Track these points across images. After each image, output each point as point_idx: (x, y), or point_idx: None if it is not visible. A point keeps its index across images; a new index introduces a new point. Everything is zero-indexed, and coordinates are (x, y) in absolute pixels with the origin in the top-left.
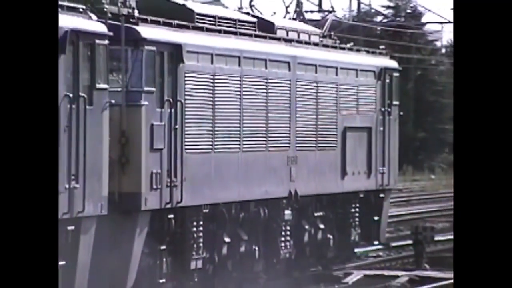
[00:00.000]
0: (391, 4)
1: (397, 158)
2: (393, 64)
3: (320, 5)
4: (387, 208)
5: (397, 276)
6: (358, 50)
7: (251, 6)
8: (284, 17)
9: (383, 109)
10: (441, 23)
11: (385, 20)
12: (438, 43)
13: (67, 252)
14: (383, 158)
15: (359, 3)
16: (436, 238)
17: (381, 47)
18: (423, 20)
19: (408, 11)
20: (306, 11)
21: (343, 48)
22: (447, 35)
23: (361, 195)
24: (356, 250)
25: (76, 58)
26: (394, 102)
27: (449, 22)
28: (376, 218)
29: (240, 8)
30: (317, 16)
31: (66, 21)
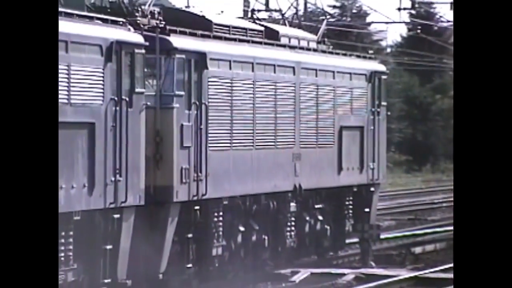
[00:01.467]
0: (337, 4)
1: (385, 154)
2: (382, 67)
3: (267, 4)
4: (376, 201)
5: (344, 274)
6: (350, 55)
7: (252, 13)
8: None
9: (373, 109)
10: (386, 23)
11: (331, 20)
12: (383, 43)
13: (112, 238)
14: (373, 155)
15: (305, 3)
16: (382, 236)
17: (370, 52)
18: (369, 20)
19: (354, 11)
20: (254, 10)
21: (338, 53)
22: (392, 35)
23: (354, 189)
24: (347, 241)
25: (119, 66)
26: (383, 103)
27: (394, 22)
28: (367, 210)
29: (187, 7)
30: (264, 15)
31: (111, 33)
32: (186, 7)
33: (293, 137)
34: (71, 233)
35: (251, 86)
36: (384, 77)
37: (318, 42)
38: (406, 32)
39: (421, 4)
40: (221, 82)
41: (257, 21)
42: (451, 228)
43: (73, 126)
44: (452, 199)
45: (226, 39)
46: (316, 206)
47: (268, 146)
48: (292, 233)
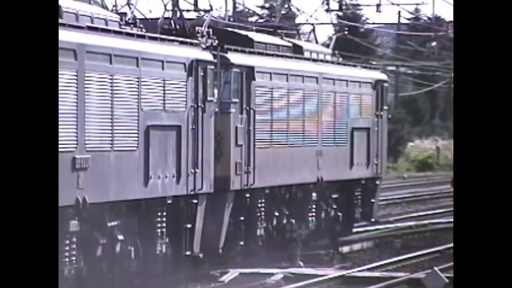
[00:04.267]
0: (266, 5)
1: (386, 152)
2: (384, 76)
3: (196, 4)
4: (378, 192)
5: (272, 274)
6: (359, 66)
7: (276, 29)
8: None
9: (377, 113)
10: (313, 24)
11: (260, 21)
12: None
13: (190, 218)
14: (377, 152)
15: (234, 3)
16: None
17: (374, 63)
18: (297, 21)
19: (283, 12)
20: (183, 10)
21: (349, 64)
22: (319, 36)
23: (362, 182)
24: (354, 229)
25: (196, 79)
26: (384, 107)
27: (322, 23)
28: (372, 200)
29: (115, 6)
30: (193, 15)
31: (190, 53)
32: (114, 6)
33: (316, 136)
34: (165, 213)
35: (286, 94)
36: (385, 84)
37: (332, 55)
38: (333, 34)
39: (348, 6)
40: (264, 91)
41: (284, 38)
42: (379, 227)
43: (167, 128)
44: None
45: (266, 55)
46: (332, 196)
47: (298, 144)
48: (313, 218)
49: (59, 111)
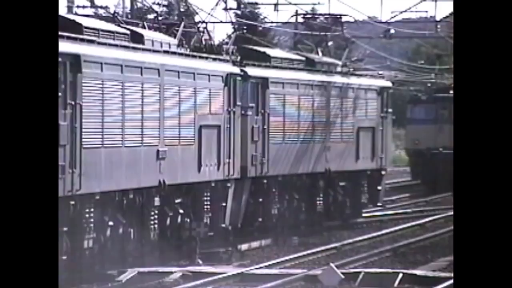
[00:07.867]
0: (165, 2)
1: (390, 147)
2: (388, 84)
3: (92, 1)
4: (384, 181)
5: (171, 272)
6: (366, 75)
7: (296, 45)
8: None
9: (382, 115)
10: (214, 22)
11: (160, 18)
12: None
13: (223, 198)
14: (382, 148)
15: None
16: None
17: (380, 73)
18: (196, 19)
19: (182, 9)
20: (78, 6)
21: (358, 74)
22: (218, 34)
23: (368, 173)
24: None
25: (229, 88)
26: (389, 110)
27: (221, 22)
28: (379, 188)
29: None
30: (90, 11)
31: (225, 67)
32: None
33: (325, 134)
34: (209, 194)
35: (297, 99)
36: (390, 90)
37: (343, 66)
38: (232, 32)
39: (246, 5)
40: (277, 97)
41: (299, 53)
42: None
43: (211, 127)
44: None
45: (281, 68)
46: (340, 184)
47: (308, 140)
48: (321, 202)
49: (148, 116)
